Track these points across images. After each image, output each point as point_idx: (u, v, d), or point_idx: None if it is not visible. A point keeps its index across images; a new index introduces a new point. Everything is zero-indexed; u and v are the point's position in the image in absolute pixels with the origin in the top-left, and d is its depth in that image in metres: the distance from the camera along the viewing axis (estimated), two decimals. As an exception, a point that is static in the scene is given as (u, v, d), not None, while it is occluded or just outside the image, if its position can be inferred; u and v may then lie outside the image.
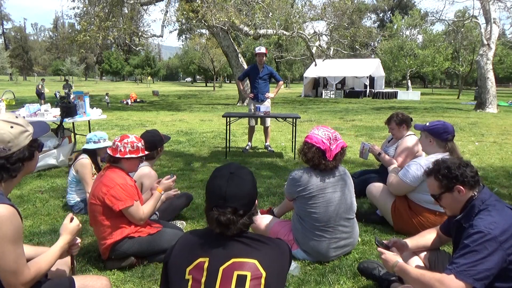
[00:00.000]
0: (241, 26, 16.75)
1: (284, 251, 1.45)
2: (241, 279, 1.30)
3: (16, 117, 1.56)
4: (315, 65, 24.77)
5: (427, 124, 3.08)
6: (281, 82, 7.08)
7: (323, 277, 2.52)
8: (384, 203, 3.31)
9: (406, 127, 3.87)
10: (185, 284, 1.33)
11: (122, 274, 2.58)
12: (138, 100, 22.13)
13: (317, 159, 2.58)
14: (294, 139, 6.51)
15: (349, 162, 5.87)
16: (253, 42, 43.09)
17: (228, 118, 6.24)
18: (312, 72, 30.52)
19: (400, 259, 1.95)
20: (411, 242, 2.17)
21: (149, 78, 67.79)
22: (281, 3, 18.20)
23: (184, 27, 25.40)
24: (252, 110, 6.67)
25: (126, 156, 2.61)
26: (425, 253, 2.19)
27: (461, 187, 1.84)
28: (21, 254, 1.47)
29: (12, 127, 1.51)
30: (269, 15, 17.35)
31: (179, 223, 3.35)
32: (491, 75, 15.99)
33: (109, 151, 2.64)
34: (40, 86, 21.22)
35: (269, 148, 6.90)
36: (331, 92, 29.62)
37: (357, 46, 24.46)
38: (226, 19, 14.84)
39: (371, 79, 30.14)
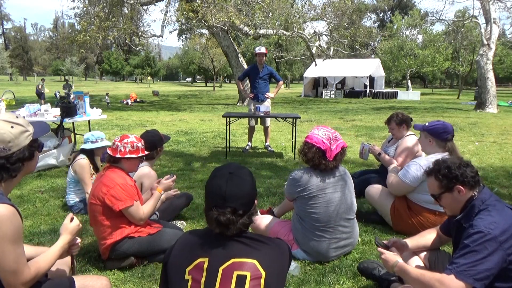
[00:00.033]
0: (241, 26, 16.75)
1: (284, 251, 1.45)
2: (241, 279, 1.30)
3: (17, 117, 1.57)
4: (315, 65, 24.77)
5: (427, 124, 3.08)
6: (281, 82, 7.07)
7: (323, 277, 2.52)
8: (383, 205, 3.32)
9: (406, 127, 3.87)
10: (184, 284, 1.33)
11: (122, 274, 2.58)
12: (138, 100, 22.13)
13: (317, 159, 2.58)
14: (294, 139, 6.51)
15: (349, 162, 5.87)
16: (253, 42, 43.09)
17: (228, 118, 6.24)
18: (312, 72, 30.52)
19: (400, 259, 1.95)
20: (411, 242, 2.17)
21: (149, 78, 67.79)
22: (281, 3, 18.20)
23: (184, 27, 25.40)
24: (252, 110, 6.67)
25: (126, 156, 2.61)
26: (425, 253, 2.19)
27: (461, 187, 1.84)
28: (21, 254, 1.47)
29: (12, 127, 1.51)
30: (269, 15, 17.35)
31: (179, 223, 3.35)
32: (491, 75, 15.99)
33: (109, 151, 2.64)
34: (40, 86, 21.23)
35: (269, 148, 6.90)
36: (331, 92, 29.62)
37: (357, 46, 24.46)
38: (226, 19, 14.84)
39: (371, 79, 30.14)
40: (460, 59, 34.05)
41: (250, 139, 7.02)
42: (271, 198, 4.19)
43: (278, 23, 18.56)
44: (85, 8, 17.95)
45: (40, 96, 20.88)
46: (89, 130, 6.74)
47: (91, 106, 6.39)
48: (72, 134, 6.29)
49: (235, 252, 1.35)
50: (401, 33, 42.16)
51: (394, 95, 28.16)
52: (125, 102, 20.97)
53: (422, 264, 2.14)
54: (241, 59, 19.43)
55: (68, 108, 5.71)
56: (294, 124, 6.40)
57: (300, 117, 6.47)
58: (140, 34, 18.90)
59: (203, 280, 1.32)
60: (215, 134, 8.94)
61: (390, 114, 4.00)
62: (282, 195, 4.12)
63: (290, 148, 6.95)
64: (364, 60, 32.52)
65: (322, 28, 29.04)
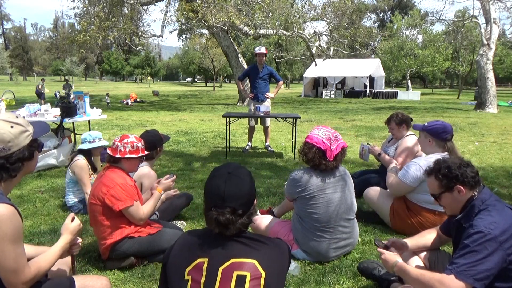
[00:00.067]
0: (241, 26, 16.75)
1: (284, 251, 1.45)
2: (241, 279, 1.30)
3: (16, 117, 1.57)
4: (315, 65, 24.77)
5: (426, 124, 3.08)
6: (281, 82, 7.07)
7: (323, 277, 2.52)
8: (382, 206, 3.32)
9: (406, 127, 3.87)
10: (184, 284, 1.33)
11: (122, 274, 2.58)
12: (138, 100, 22.13)
13: (318, 160, 2.58)
14: (294, 139, 6.51)
15: (349, 162, 5.87)
16: (253, 42, 43.08)
17: (228, 118, 6.24)
18: (312, 72, 30.51)
19: (400, 259, 1.95)
20: (411, 242, 2.17)
21: (149, 78, 67.78)
22: (281, 3, 18.19)
23: (184, 27, 25.40)
24: (252, 110, 6.67)
25: (126, 156, 2.61)
26: (425, 253, 2.19)
27: (461, 187, 1.84)
28: (21, 253, 1.47)
29: (12, 127, 1.51)
30: (269, 15, 17.35)
31: (179, 223, 3.35)
32: (491, 75, 15.99)
33: (109, 151, 2.64)
34: (40, 86, 21.23)
35: (269, 148, 6.90)
36: (331, 92, 29.61)
37: (357, 46, 24.46)
38: (226, 19, 14.84)
39: (371, 79, 30.14)
40: (460, 59, 34.04)
41: (250, 139, 7.02)
42: (271, 198, 4.19)
43: (278, 23, 18.56)
44: (85, 8, 17.95)
45: (40, 96, 20.88)
46: (89, 130, 6.75)
47: (91, 106, 6.39)
48: (72, 134, 6.29)
49: (235, 252, 1.35)
50: (401, 33, 42.17)
51: (394, 95, 28.16)
52: (125, 102, 20.97)
53: (422, 264, 2.14)
54: (241, 59, 19.43)
55: (68, 108, 5.71)
56: (294, 124, 6.40)
57: (300, 117, 6.47)
58: (140, 34, 18.90)
59: (202, 280, 1.32)
60: (215, 134, 8.94)
61: (390, 114, 4.00)
62: (282, 195, 4.11)
63: (290, 148, 6.95)
64: (364, 60, 32.52)
65: (322, 28, 29.08)
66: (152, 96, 28.33)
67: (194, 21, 15.84)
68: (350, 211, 2.73)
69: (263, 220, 2.95)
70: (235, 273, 1.31)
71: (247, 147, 6.96)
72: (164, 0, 18.26)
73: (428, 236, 2.22)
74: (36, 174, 5.12)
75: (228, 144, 6.55)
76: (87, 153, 3.70)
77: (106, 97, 20.08)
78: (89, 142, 3.66)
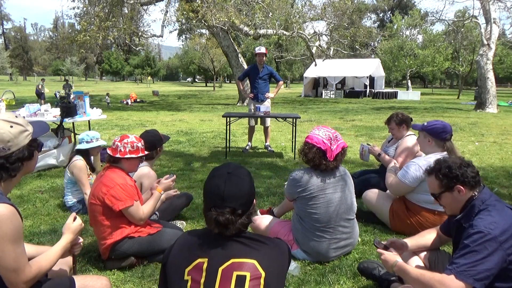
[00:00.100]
0: (241, 26, 16.75)
1: (283, 251, 1.45)
2: (241, 280, 1.30)
3: (16, 116, 1.56)
4: (315, 65, 24.76)
5: (425, 124, 3.08)
6: (281, 82, 7.07)
7: (323, 277, 2.52)
8: (382, 208, 3.32)
9: (406, 127, 3.87)
10: (184, 284, 1.33)
11: (122, 274, 2.58)
12: (138, 100, 22.13)
13: (318, 160, 2.58)
14: (294, 139, 6.51)
15: (349, 162, 5.87)
16: (253, 42, 43.08)
17: (228, 118, 6.23)
18: (312, 72, 30.51)
19: (399, 259, 1.95)
20: (411, 242, 2.17)
21: (149, 78, 67.77)
22: (281, 3, 18.19)
23: (184, 27, 25.39)
24: (252, 110, 6.67)
25: (126, 156, 2.61)
26: (425, 253, 2.19)
27: (461, 187, 1.84)
28: (22, 252, 1.47)
29: (11, 126, 1.51)
30: (269, 15, 17.35)
31: (179, 223, 3.35)
32: (491, 75, 15.99)
33: (109, 151, 2.64)
34: (40, 86, 21.23)
35: (269, 148, 6.90)
36: (331, 92, 29.61)
37: (357, 46, 24.45)
38: (226, 19, 14.83)
39: (371, 79, 30.13)
40: (460, 59, 34.04)
41: (250, 139, 7.02)
42: (271, 198, 4.19)
43: (278, 23, 18.56)
44: (85, 8, 17.95)
45: (40, 96, 20.88)
46: (89, 130, 6.76)
47: (91, 106, 6.39)
48: (72, 134, 6.29)
49: (235, 252, 1.35)
50: (401, 33, 42.16)
51: (394, 95, 28.15)
52: (125, 102, 20.97)
53: (422, 264, 2.14)
54: (241, 59, 19.43)
55: (68, 108, 5.71)
56: (294, 124, 6.40)
57: (300, 117, 6.47)
58: (140, 34, 18.90)
59: (202, 280, 1.32)
60: (215, 134, 8.94)
61: (390, 114, 4.00)
62: (282, 195, 4.11)
63: (290, 148, 6.95)
64: (364, 60, 32.51)
65: (322, 28, 29.05)
66: (152, 96, 28.33)
67: (194, 21, 15.84)
68: (350, 211, 2.73)
69: (263, 220, 2.95)
70: (235, 273, 1.31)
71: (247, 147, 6.96)
72: (164, 0, 18.28)
73: (428, 236, 2.22)
74: (36, 174, 5.12)
75: (228, 144, 6.55)
76: (85, 153, 3.69)
77: (106, 97, 20.08)
78: (87, 142, 3.66)
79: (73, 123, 6.30)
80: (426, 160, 2.97)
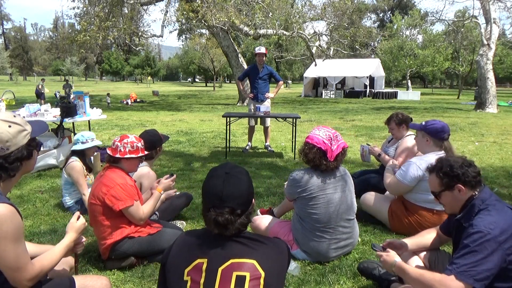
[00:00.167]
0: (241, 26, 16.74)
1: (283, 251, 1.44)
2: (240, 280, 1.30)
3: (14, 116, 1.56)
4: (315, 65, 24.76)
5: (424, 123, 3.09)
6: (281, 82, 7.07)
7: (323, 277, 2.52)
8: (380, 210, 3.33)
9: (406, 127, 3.86)
10: (183, 285, 1.33)
11: (122, 274, 2.58)
12: (138, 100, 22.13)
13: (318, 160, 2.58)
14: (294, 139, 6.50)
15: (349, 162, 5.87)
16: (253, 42, 43.09)
17: (228, 118, 6.23)
18: (312, 72, 30.51)
19: (398, 258, 1.94)
20: (411, 242, 2.17)
21: (149, 78, 67.76)
22: (281, 3, 18.19)
23: (184, 27, 25.40)
24: (252, 110, 6.67)
25: (126, 156, 2.61)
26: (425, 253, 2.19)
27: (462, 186, 1.84)
28: (23, 251, 1.48)
29: (10, 126, 1.50)
30: (269, 15, 17.35)
31: (179, 223, 3.35)
32: (491, 75, 15.99)
33: (109, 151, 2.64)
34: (40, 86, 21.23)
35: (269, 148, 6.89)
36: (331, 92, 29.61)
37: (357, 46, 24.45)
38: (226, 19, 14.83)
39: (371, 79, 30.13)
40: (460, 59, 34.03)
41: (250, 139, 7.01)
42: (271, 198, 4.18)
43: (278, 23, 18.56)
44: (85, 8, 17.95)
45: (40, 96, 20.87)
46: (89, 130, 6.76)
47: (91, 106, 6.39)
48: (72, 134, 6.28)
49: (234, 253, 1.35)
50: (401, 33, 42.14)
51: (394, 95, 28.15)
52: (125, 102, 20.97)
53: (422, 264, 2.14)
54: (241, 59, 19.42)
55: (68, 108, 5.71)
56: (294, 124, 6.39)
57: (300, 117, 6.46)
58: (140, 34, 18.90)
59: (202, 281, 1.31)
60: (215, 134, 8.94)
61: (390, 114, 4.00)
62: (282, 195, 4.11)
63: (290, 148, 6.94)
64: (364, 60, 32.51)
65: (322, 28, 29.08)
66: (152, 96, 28.33)
67: (194, 21, 15.84)
68: (350, 211, 2.72)
69: (263, 220, 2.95)
70: (234, 274, 1.31)
71: (247, 147, 6.96)
72: (164, 0, 18.28)
73: (427, 236, 2.22)
74: (36, 174, 5.12)
75: (228, 144, 6.55)
76: (81, 154, 3.69)
77: (107, 97, 20.08)
78: (82, 142, 3.65)
79: (73, 123, 6.30)
80: (423, 159, 2.98)
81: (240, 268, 1.31)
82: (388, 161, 3.70)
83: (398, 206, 3.19)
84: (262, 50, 6.59)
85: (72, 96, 6.15)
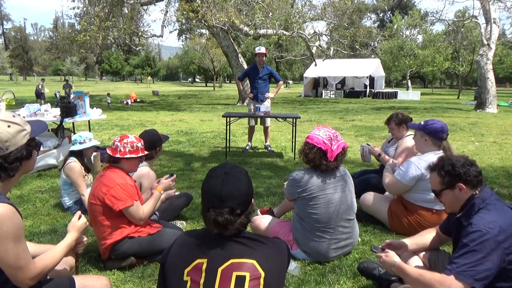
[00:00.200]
0: (241, 26, 16.74)
1: (283, 251, 1.44)
2: (240, 280, 1.30)
3: (14, 116, 1.56)
4: (315, 65, 24.76)
5: (423, 123, 3.09)
6: (281, 82, 7.07)
7: (323, 277, 2.52)
8: (380, 210, 3.33)
9: (406, 127, 3.86)
10: (183, 285, 1.33)
11: (122, 274, 2.58)
12: (138, 100, 22.13)
13: (318, 160, 2.57)
14: (294, 139, 6.50)
15: (349, 162, 5.87)
16: (253, 42, 43.08)
17: (228, 118, 6.23)
18: (312, 72, 30.51)
19: (398, 259, 1.94)
20: (411, 242, 2.17)
21: (149, 78, 67.75)
22: (281, 3, 18.19)
23: (184, 27, 25.40)
24: (252, 110, 6.67)
25: (126, 156, 2.61)
26: (424, 253, 2.19)
27: (463, 185, 1.84)
28: (24, 250, 1.48)
29: (9, 126, 1.50)
30: (269, 15, 17.34)
31: (179, 223, 3.35)
32: (491, 75, 15.99)
33: (108, 151, 2.64)
34: (40, 86, 21.22)
35: (269, 148, 6.89)
36: (331, 92, 29.61)
37: (357, 46, 24.44)
38: (226, 19, 14.83)
39: (371, 79, 30.13)
40: (460, 59, 34.03)
41: (250, 139, 7.01)
42: (271, 198, 4.18)
43: (278, 23, 18.56)
44: (85, 8, 17.95)
45: (39, 96, 20.87)
46: (89, 130, 6.75)
47: (91, 106, 6.38)
48: (72, 134, 6.28)
49: (234, 253, 1.35)
50: (401, 33, 42.13)
51: (394, 95, 28.15)
52: (125, 102, 20.96)
53: (422, 264, 2.14)
54: (241, 59, 19.42)
55: (68, 108, 5.71)
56: (294, 124, 6.39)
57: (300, 117, 6.46)
58: (140, 34, 18.89)
59: (202, 281, 1.31)
60: (215, 134, 8.94)
61: (390, 114, 4.00)
62: (282, 195, 4.11)
63: (290, 148, 6.94)
64: (364, 60, 32.51)
65: (322, 28, 29.08)
66: (152, 96, 28.33)
67: (194, 21, 15.84)
68: (350, 211, 2.72)
69: (263, 220, 2.95)
70: (234, 274, 1.31)
71: (247, 147, 6.95)
72: (164, 0, 18.28)
73: (427, 236, 2.22)
74: (36, 174, 5.12)
75: (228, 144, 6.55)
76: (79, 154, 3.69)
77: (107, 97, 20.08)
78: (80, 143, 3.65)
79: (73, 123, 6.30)
80: (423, 159, 2.98)
81: (240, 268, 1.31)
82: (388, 161, 3.70)
83: (398, 206, 3.20)
84: (262, 50, 6.59)
85: (72, 96, 6.15)
